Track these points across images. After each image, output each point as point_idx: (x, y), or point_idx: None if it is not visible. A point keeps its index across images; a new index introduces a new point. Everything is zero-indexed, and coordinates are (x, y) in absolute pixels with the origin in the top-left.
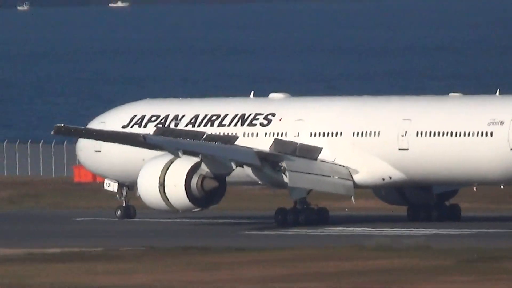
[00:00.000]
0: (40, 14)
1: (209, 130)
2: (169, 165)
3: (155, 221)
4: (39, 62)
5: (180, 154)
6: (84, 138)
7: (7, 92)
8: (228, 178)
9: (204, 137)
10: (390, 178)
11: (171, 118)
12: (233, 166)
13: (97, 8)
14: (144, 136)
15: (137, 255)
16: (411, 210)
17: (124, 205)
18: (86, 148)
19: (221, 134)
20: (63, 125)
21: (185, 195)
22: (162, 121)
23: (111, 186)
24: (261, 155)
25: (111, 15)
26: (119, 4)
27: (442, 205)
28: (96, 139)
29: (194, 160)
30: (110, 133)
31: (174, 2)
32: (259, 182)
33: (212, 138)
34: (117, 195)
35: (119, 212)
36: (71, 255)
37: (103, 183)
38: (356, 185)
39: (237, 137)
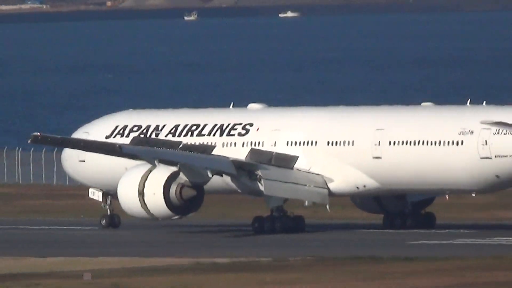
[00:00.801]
0: (206, 24)
1: (189, 140)
2: (148, 174)
3: (324, 231)
4: (200, 72)
5: (156, 163)
6: (61, 147)
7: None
8: (207, 187)
9: (180, 146)
10: (364, 186)
11: (152, 128)
12: (209, 174)
13: (266, 18)
14: (120, 146)
15: (305, 264)
16: (387, 218)
17: (108, 213)
18: (71, 158)
19: (199, 143)
20: (39, 133)
21: (164, 203)
22: (144, 131)
23: (95, 195)
24: (237, 164)
25: (280, 26)
26: (289, 14)
27: (418, 213)
28: (73, 148)
29: (172, 169)
30: (86, 142)
31: (343, 13)
32: (238, 191)
33: (189, 147)
34: (102, 204)
35: (104, 221)
36: (240, 265)
37: (88, 192)
38: (331, 193)
39: (214, 147)
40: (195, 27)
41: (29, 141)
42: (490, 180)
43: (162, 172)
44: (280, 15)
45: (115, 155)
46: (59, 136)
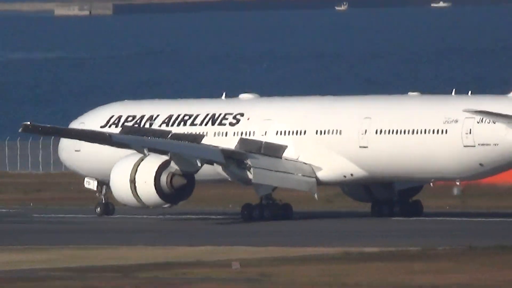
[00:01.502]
0: (357, 14)
1: (181, 129)
2: (140, 163)
3: (470, 220)
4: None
5: (146, 152)
6: (52, 136)
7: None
8: (198, 175)
9: (170, 135)
10: (352, 175)
11: (146, 118)
12: (199, 163)
13: (417, 8)
14: (110, 135)
15: (455, 254)
16: (375, 206)
17: (103, 202)
18: (67, 148)
19: (189, 133)
20: (29, 123)
21: (155, 192)
22: (138, 121)
23: (91, 184)
24: (226, 153)
25: (431, 16)
26: (441, 4)
27: (405, 201)
28: (64, 137)
29: (164, 158)
30: (77, 131)
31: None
32: (229, 179)
33: (179, 137)
34: (97, 193)
35: (98, 209)
36: (388, 254)
37: (83, 181)
38: (319, 182)
39: (203, 136)
40: (346, 17)
41: (20, 130)
42: (474, 168)
43: (153, 161)
44: (433, 5)
45: (106, 144)
46: (49, 126)
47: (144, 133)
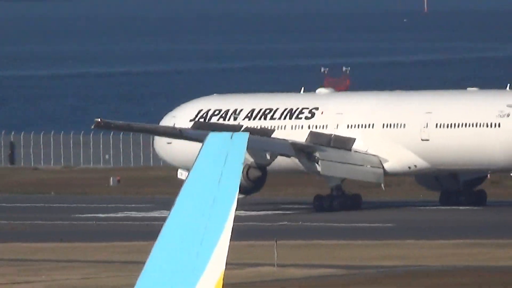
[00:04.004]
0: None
1: (262, 123)
2: None
3: None
4: None
5: None
6: (124, 131)
7: None
8: (278, 167)
9: (241, 130)
10: (415, 166)
11: (231, 112)
12: (268, 156)
13: None
14: (181, 130)
15: None
16: (443, 195)
17: None
18: (160, 140)
19: (260, 127)
20: (100, 119)
21: None
22: (223, 115)
23: (183, 175)
24: (296, 146)
25: None
26: None
27: (470, 191)
28: (136, 132)
29: None
30: (150, 127)
31: None
32: (305, 170)
33: (250, 131)
34: None
35: None
36: None
37: (177, 172)
38: (386, 173)
39: (274, 130)
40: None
41: (92, 127)
42: None
43: None
44: None
45: (176, 138)
46: (121, 122)
47: (214, 128)
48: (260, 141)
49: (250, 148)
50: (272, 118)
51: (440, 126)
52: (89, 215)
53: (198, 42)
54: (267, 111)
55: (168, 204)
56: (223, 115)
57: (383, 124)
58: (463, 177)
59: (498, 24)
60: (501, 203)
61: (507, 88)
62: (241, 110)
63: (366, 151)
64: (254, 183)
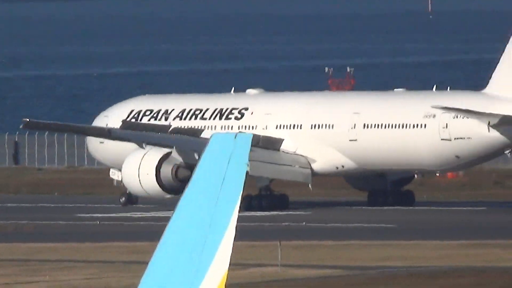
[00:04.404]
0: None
1: (193, 123)
2: (143, 156)
3: None
4: None
5: (144, 146)
6: (53, 131)
7: None
8: None
9: (170, 130)
10: (343, 166)
11: (162, 112)
12: (196, 156)
13: None
14: (109, 130)
15: None
16: (371, 195)
17: (127, 192)
18: (92, 139)
19: (188, 127)
20: (28, 119)
21: (156, 183)
22: (155, 115)
23: (115, 174)
24: None
25: None
26: None
27: (398, 191)
28: (65, 132)
29: (165, 150)
30: (79, 127)
31: None
32: None
33: (179, 131)
34: (121, 183)
35: (122, 199)
36: None
37: (109, 171)
38: (313, 173)
39: (202, 130)
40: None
41: (21, 126)
42: (451, 161)
43: (155, 154)
44: None
45: (105, 138)
46: (50, 122)
47: (144, 128)
48: (189, 141)
49: (178, 148)
50: (202, 118)
51: (367, 127)
52: (93, 215)
53: (213, 42)
54: (198, 111)
55: (171, 204)
56: (155, 115)
57: (312, 125)
58: (390, 177)
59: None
60: (503, 204)
61: (433, 89)
62: (172, 110)
63: (295, 151)
64: (183, 183)
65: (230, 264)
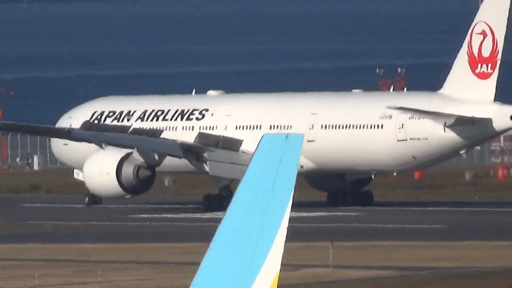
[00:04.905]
0: None
1: (154, 124)
2: (104, 156)
3: None
4: None
5: (104, 146)
6: (16, 132)
7: None
8: (169, 167)
9: (130, 130)
10: (302, 167)
11: (125, 113)
12: (156, 157)
13: None
14: (69, 130)
15: None
16: (330, 195)
17: (91, 192)
18: (56, 141)
19: (149, 128)
20: None
21: (117, 183)
22: (117, 116)
23: (80, 175)
24: (185, 146)
25: None
26: None
27: (357, 191)
28: (27, 133)
29: (125, 151)
30: (39, 128)
31: None
32: (196, 171)
33: (138, 131)
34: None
35: (86, 199)
36: None
37: (73, 172)
38: None
39: (162, 131)
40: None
41: None
42: (407, 161)
43: (115, 154)
44: None
45: (66, 139)
46: (9, 122)
47: (104, 129)
48: (149, 141)
49: (138, 148)
50: (164, 119)
51: (325, 127)
52: (144, 215)
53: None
54: (159, 112)
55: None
56: (117, 116)
57: (270, 126)
58: (349, 177)
59: None
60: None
61: (391, 89)
62: (134, 111)
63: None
64: (143, 183)
65: (282, 265)
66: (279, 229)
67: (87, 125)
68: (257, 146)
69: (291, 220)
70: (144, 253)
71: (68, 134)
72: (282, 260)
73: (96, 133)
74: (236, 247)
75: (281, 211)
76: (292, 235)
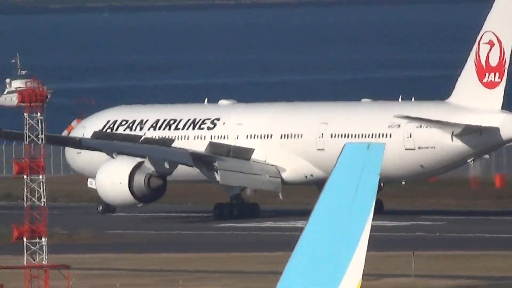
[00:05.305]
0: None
1: (166, 133)
2: (116, 165)
3: None
4: None
5: (114, 155)
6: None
7: None
8: (181, 176)
9: (141, 140)
10: (312, 175)
11: (137, 122)
12: (167, 165)
13: None
14: (80, 140)
15: None
16: None
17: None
18: (70, 150)
19: (160, 137)
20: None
21: (129, 192)
22: (130, 125)
23: (93, 184)
24: (195, 156)
25: None
26: None
27: None
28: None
29: (137, 160)
30: (50, 137)
31: None
32: (208, 180)
33: (149, 141)
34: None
35: (100, 207)
36: None
37: (87, 181)
38: (283, 182)
39: (173, 140)
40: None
41: None
42: (415, 170)
43: (127, 163)
44: None
45: (77, 148)
46: (18, 131)
47: (115, 138)
48: (159, 150)
49: (149, 158)
50: (176, 128)
51: (334, 136)
52: (226, 225)
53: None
54: (172, 121)
55: (303, 214)
56: (130, 125)
57: (281, 135)
58: None
59: None
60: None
61: (399, 99)
62: (147, 120)
63: (265, 160)
64: (154, 192)
65: (363, 274)
66: (361, 239)
67: (99, 134)
68: (340, 155)
69: (372, 229)
70: (227, 262)
71: (79, 143)
72: (363, 269)
73: (106, 142)
74: (318, 257)
75: (363, 221)
76: (373, 244)
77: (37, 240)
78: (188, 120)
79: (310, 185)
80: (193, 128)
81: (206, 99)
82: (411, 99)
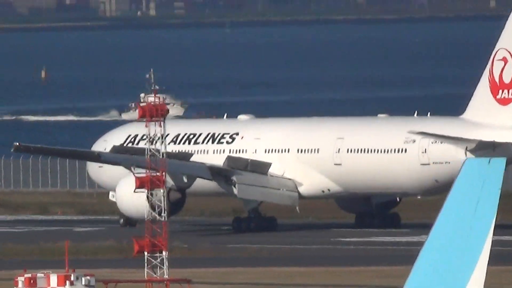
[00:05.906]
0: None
1: (186, 147)
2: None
3: None
4: None
5: (133, 169)
6: (44, 155)
7: None
8: (201, 189)
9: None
10: (329, 190)
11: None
12: (185, 179)
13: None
14: (99, 153)
15: None
16: (358, 217)
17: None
18: (92, 164)
19: (178, 151)
20: (18, 143)
21: (148, 205)
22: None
23: (114, 197)
24: (214, 170)
25: None
26: None
27: (384, 213)
28: (56, 156)
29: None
30: (69, 151)
31: None
32: (226, 193)
33: (168, 154)
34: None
35: (121, 220)
36: None
37: (108, 194)
38: (300, 196)
39: (192, 154)
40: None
41: (12, 150)
42: (430, 185)
43: None
44: None
45: (96, 162)
46: (40, 146)
47: (134, 152)
48: (178, 164)
49: (168, 171)
50: (195, 142)
51: (351, 151)
52: (344, 239)
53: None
54: (191, 136)
55: (422, 229)
56: (151, 139)
57: (298, 149)
58: (375, 200)
59: None
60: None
61: (415, 115)
62: (167, 134)
63: (282, 175)
64: (174, 205)
65: None
66: (482, 253)
67: (118, 149)
68: (460, 170)
69: (493, 243)
70: (346, 276)
71: (98, 157)
72: (484, 283)
73: (125, 156)
74: (439, 271)
75: (484, 235)
76: (494, 258)
77: (158, 254)
78: (208, 134)
79: (327, 199)
80: (212, 142)
81: (225, 114)
82: (427, 114)
